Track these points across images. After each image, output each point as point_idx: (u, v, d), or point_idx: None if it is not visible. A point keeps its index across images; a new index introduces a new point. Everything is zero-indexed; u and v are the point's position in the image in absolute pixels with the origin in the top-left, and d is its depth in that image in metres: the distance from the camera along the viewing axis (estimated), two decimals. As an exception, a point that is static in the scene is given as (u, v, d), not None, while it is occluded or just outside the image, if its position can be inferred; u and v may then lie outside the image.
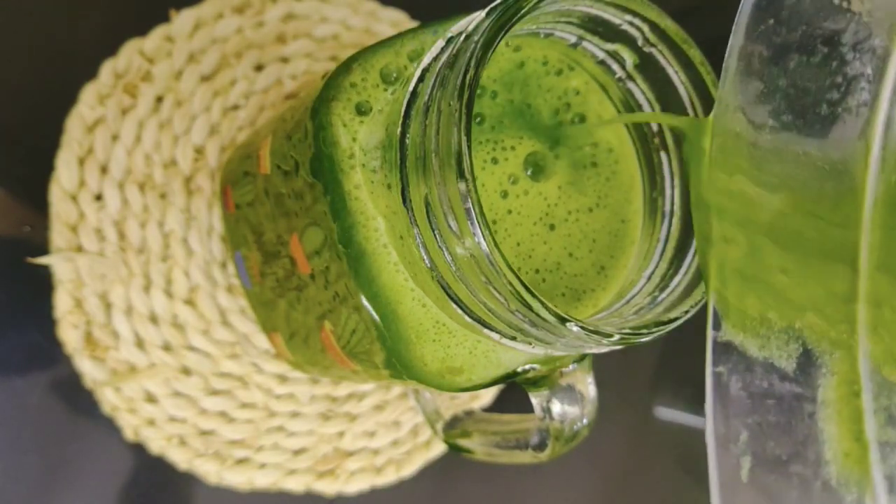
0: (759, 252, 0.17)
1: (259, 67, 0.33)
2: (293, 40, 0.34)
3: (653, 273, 0.21)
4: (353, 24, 0.35)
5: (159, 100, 0.31)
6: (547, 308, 0.17)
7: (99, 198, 0.30)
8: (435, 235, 0.18)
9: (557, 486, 0.37)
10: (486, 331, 0.19)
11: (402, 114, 0.19)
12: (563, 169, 0.22)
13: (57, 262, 0.29)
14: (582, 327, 0.17)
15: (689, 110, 0.21)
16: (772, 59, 0.17)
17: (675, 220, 0.22)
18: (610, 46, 0.21)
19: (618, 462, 0.38)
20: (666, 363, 0.37)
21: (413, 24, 0.36)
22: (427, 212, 0.17)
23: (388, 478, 0.35)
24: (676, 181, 0.22)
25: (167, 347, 0.31)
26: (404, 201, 0.18)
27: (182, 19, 0.32)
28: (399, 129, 0.19)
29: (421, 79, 0.19)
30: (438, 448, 0.35)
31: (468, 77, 0.17)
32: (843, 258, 0.16)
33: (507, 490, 0.37)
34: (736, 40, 0.17)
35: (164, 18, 0.32)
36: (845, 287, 0.16)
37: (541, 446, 0.23)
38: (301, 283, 0.24)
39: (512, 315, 0.18)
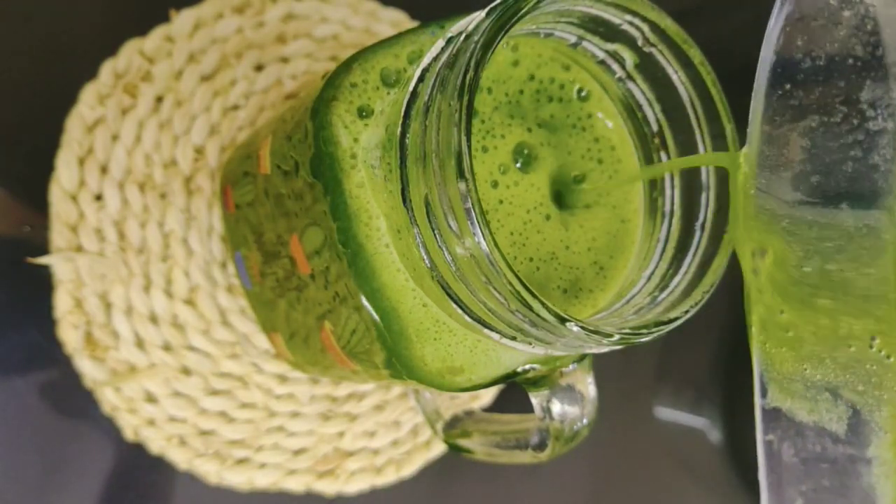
0: (803, 311, 0.17)
1: (259, 67, 0.33)
2: (293, 40, 0.34)
3: (653, 273, 0.21)
4: (353, 24, 0.35)
5: (159, 100, 0.31)
6: (547, 308, 0.17)
7: (99, 198, 0.30)
8: (435, 235, 0.18)
9: (557, 486, 0.37)
10: (486, 331, 0.19)
11: (402, 114, 0.19)
12: (559, 160, 0.22)
13: (57, 262, 0.29)
14: (582, 327, 0.17)
15: (689, 109, 0.21)
16: (792, 123, 0.17)
17: (675, 221, 0.22)
18: (610, 46, 0.21)
19: (618, 462, 0.38)
20: (666, 363, 0.37)
21: (413, 24, 0.36)
22: (427, 211, 0.18)
23: (388, 478, 0.35)
24: (677, 181, 0.22)
25: (167, 347, 0.31)
26: (404, 201, 0.18)
27: (182, 19, 0.32)
28: (399, 129, 0.19)
29: (421, 79, 0.19)
30: (438, 448, 0.35)
31: (468, 77, 0.17)
32: (881, 314, 0.16)
33: (507, 490, 0.37)
34: (756, 104, 0.17)
35: (164, 18, 0.32)
36: (888, 344, 0.16)
37: (541, 446, 0.23)
38: (301, 283, 0.24)
39: (512, 315, 0.18)
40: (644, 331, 0.19)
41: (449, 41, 0.19)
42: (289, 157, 0.22)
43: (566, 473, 0.37)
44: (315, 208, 0.21)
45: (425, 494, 0.36)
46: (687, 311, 0.20)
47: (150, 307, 0.30)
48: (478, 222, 0.16)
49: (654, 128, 0.22)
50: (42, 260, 0.29)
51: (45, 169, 0.30)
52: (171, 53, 0.31)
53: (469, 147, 0.17)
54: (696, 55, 0.20)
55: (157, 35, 0.31)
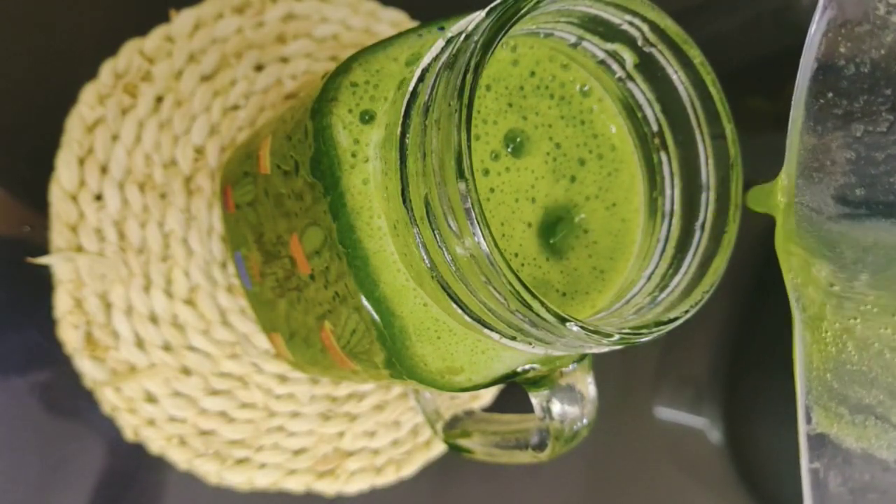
0: (848, 326, 0.16)
1: (259, 67, 0.33)
2: (293, 40, 0.34)
3: (652, 273, 0.21)
4: (353, 24, 0.35)
5: (159, 100, 0.31)
6: (547, 308, 0.17)
7: (99, 198, 0.30)
8: (434, 235, 0.18)
9: (557, 486, 0.37)
10: (485, 331, 0.19)
11: (402, 114, 0.19)
12: (552, 146, 0.22)
13: (57, 262, 0.29)
14: (582, 327, 0.17)
15: (689, 109, 0.21)
16: (835, 132, 0.17)
17: (676, 220, 0.22)
18: (610, 46, 0.21)
19: (618, 462, 0.38)
20: (666, 363, 0.37)
21: (413, 24, 0.36)
22: (427, 211, 0.18)
23: (388, 478, 0.35)
24: (677, 181, 0.22)
25: (167, 347, 0.31)
26: (404, 201, 0.18)
27: (182, 19, 0.32)
28: (399, 129, 0.19)
29: (421, 79, 0.19)
30: (438, 448, 0.35)
31: (468, 78, 0.17)
32: None
33: (507, 490, 0.37)
34: (796, 113, 0.17)
35: (164, 18, 0.32)
36: None
37: (541, 446, 0.23)
38: (301, 283, 0.24)
39: (512, 315, 0.18)
40: (644, 331, 0.19)
41: (449, 41, 0.19)
42: (289, 157, 0.22)
43: (566, 473, 0.37)
44: (315, 208, 0.21)
45: (425, 494, 0.36)
46: (687, 311, 0.20)
47: (150, 307, 0.30)
48: (478, 222, 0.16)
49: (654, 128, 0.22)
50: (42, 260, 0.29)
51: (45, 169, 0.30)
52: (171, 53, 0.31)
53: (469, 147, 0.17)
54: (696, 55, 0.20)
55: (157, 35, 0.31)
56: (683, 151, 0.22)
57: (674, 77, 0.21)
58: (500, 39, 0.17)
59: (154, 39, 0.31)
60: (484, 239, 0.16)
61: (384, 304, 0.20)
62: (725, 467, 0.38)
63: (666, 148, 0.22)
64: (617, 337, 0.18)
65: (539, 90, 0.22)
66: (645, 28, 0.20)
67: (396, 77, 0.20)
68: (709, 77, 0.20)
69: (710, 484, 0.38)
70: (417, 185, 0.18)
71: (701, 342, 0.36)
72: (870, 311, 0.16)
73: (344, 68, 0.20)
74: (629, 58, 0.21)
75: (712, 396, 0.36)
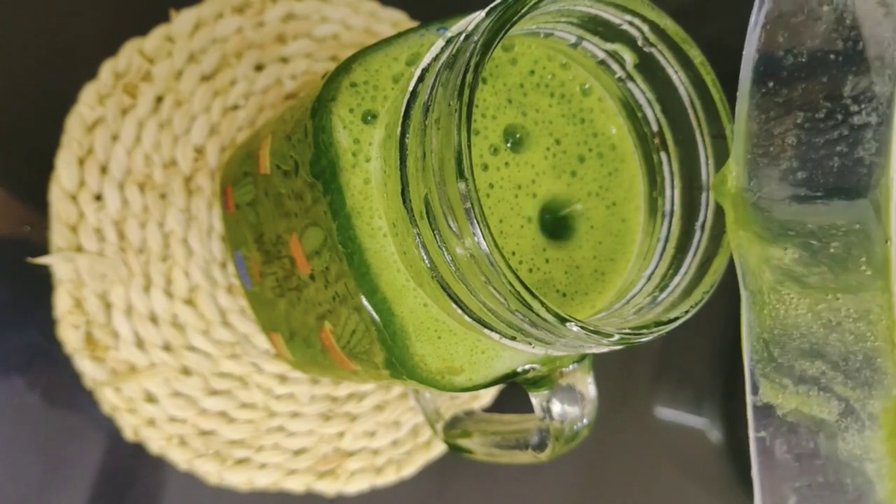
0: (797, 297, 0.17)
1: (259, 67, 0.33)
2: (293, 40, 0.34)
3: (653, 273, 0.21)
4: (353, 24, 0.35)
5: (159, 100, 0.31)
6: (547, 308, 0.17)
7: (99, 198, 0.30)
8: (434, 235, 0.18)
9: (557, 485, 0.37)
10: (486, 331, 0.19)
11: (402, 114, 0.19)
12: (551, 142, 0.22)
13: (57, 262, 0.29)
14: (582, 327, 0.17)
15: (689, 109, 0.21)
16: (778, 120, 0.17)
17: (676, 220, 0.22)
18: (610, 46, 0.21)
19: (617, 462, 0.38)
20: (666, 363, 0.37)
21: (413, 23, 0.36)
22: (426, 211, 0.17)
23: (389, 478, 0.35)
24: (677, 181, 0.22)
25: (167, 347, 0.31)
26: (404, 201, 0.18)
27: (182, 19, 0.32)
28: (399, 129, 0.19)
29: (420, 79, 0.19)
30: (438, 448, 0.35)
31: (468, 77, 0.17)
32: (873, 305, 0.16)
33: (508, 490, 0.37)
34: (742, 104, 0.17)
35: (165, 18, 0.32)
36: (880, 336, 0.16)
37: (541, 446, 0.23)
38: (301, 283, 0.24)
39: (512, 315, 0.18)
40: (644, 331, 0.19)
41: (449, 41, 0.19)
42: (288, 157, 0.22)
43: (566, 473, 0.37)
44: (315, 208, 0.21)
45: (425, 494, 0.36)
46: (687, 311, 0.20)
47: (150, 307, 0.30)
48: (477, 222, 0.16)
49: (654, 128, 0.22)
50: (42, 260, 0.29)
51: (45, 169, 0.30)
52: (171, 53, 0.31)
53: (469, 147, 0.17)
54: (696, 55, 0.20)
55: (157, 35, 0.31)
56: (683, 151, 0.22)
57: (674, 77, 0.21)
58: (500, 40, 0.17)
59: (154, 39, 0.31)
60: (484, 239, 0.16)
61: (384, 305, 0.20)
62: (725, 467, 0.38)
63: (666, 148, 0.22)
64: (617, 337, 0.18)
65: (539, 88, 0.22)
66: (645, 28, 0.20)
67: (396, 77, 0.20)
68: (709, 77, 0.20)
69: (710, 484, 0.38)
70: (417, 184, 0.18)
71: (701, 342, 0.36)
72: (812, 289, 0.16)
73: (344, 68, 0.20)
74: (629, 58, 0.21)
75: (712, 396, 0.36)
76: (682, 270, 0.21)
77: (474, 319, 0.19)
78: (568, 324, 0.17)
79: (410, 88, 0.19)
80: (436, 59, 0.19)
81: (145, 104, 0.31)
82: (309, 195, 0.21)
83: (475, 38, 0.17)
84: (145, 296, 0.30)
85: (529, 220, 0.22)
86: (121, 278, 0.30)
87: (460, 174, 0.16)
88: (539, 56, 0.22)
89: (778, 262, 0.17)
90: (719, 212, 0.21)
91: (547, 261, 0.22)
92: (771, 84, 0.17)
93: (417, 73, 0.19)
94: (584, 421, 0.22)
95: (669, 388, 0.37)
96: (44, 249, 0.29)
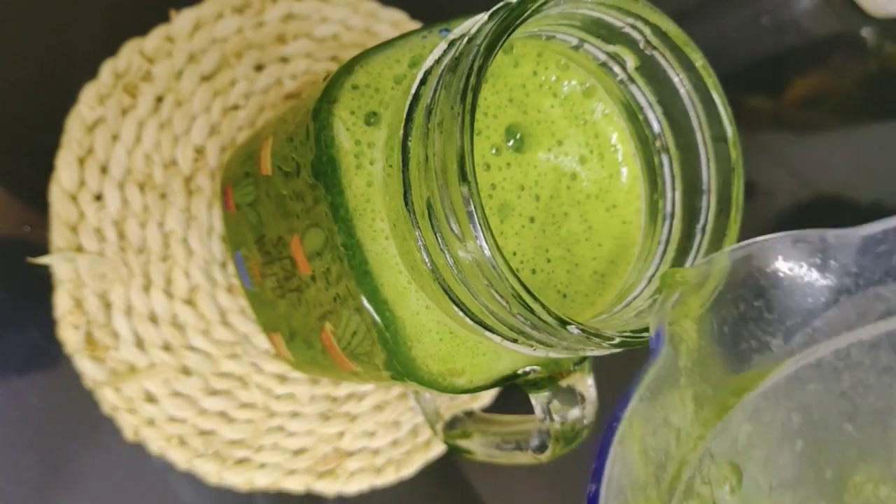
0: None
1: (259, 67, 0.33)
2: (293, 40, 0.34)
3: (653, 276, 0.22)
4: (353, 24, 0.35)
5: (159, 100, 0.31)
6: (548, 311, 0.17)
7: (99, 198, 0.30)
8: (437, 238, 0.18)
9: (557, 485, 0.37)
10: (487, 333, 0.19)
11: (405, 116, 0.19)
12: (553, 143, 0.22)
13: (57, 262, 0.29)
14: (582, 330, 0.17)
15: (691, 111, 0.21)
16: None
17: (676, 223, 0.22)
18: (611, 48, 0.21)
19: None
20: None
21: (413, 24, 0.36)
22: (429, 214, 0.18)
23: (388, 478, 0.35)
24: (678, 184, 0.22)
25: (167, 347, 0.31)
26: (406, 203, 0.18)
27: (182, 19, 0.32)
28: (401, 132, 0.19)
29: (423, 81, 0.19)
30: (438, 448, 0.35)
31: (471, 80, 0.17)
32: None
33: (507, 490, 0.37)
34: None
35: (165, 18, 0.32)
36: None
37: (541, 448, 0.23)
38: (302, 283, 0.24)
39: (513, 318, 0.18)
40: (645, 334, 0.19)
41: (451, 44, 0.19)
42: (290, 159, 0.22)
43: (566, 473, 0.37)
44: (316, 209, 0.21)
45: (425, 494, 0.36)
46: None
47: (149, 307, 0.30)
48: (480, 226, 0.16)
49: (656, 130, 0.22)
50: (42, 260, 0.29)
51: (45, 169, 0.30)
52: (171, 53, 0.31)
53: (472, 150, 0.17)
54: (697, 58, 0.20)
55: (156, 35, 0.31)
56: (684, 154, 0.22)
57: (675, 80, 0.21)
58: (503, 43, 0.17)
59: (154, 39, 0.31)
60: (486, 242, 0.16)
61: (385, 307, 0.20)
62: None
63: (667, 150, 0.22)
64: (618, 340, 0.18)
65: (542, 89, 0.22)
66: (647, 31, 0.20)
67: (399, 79, 0.20)
68: (710, 80, 0.20)
69: None
70: (420, 187, 0.18)
71: None
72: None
73: (346, 70, 0.20)
74: (630, 60, 0.21)
75: None
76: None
77: (476, 322, 0.19)
78: (569, 327, 0.17)
79: (413, 91, 0.19)
80: (438, 61, 0.19)
81: (145, 104, 0.31)
82: (310, 196, 0.21)
83: (478, 41, 0.17)
84: (145, 296, 0.30)
85: (532, 221, 0.22)
86: (121, 278, 0.30)
87: (463, 178, 0.16)
88: (541, 57, 0.22)
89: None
90: (720, 214, 0.21)
91: (549, 261, 0.22)
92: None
93: (420, 75, 0.19)
94: (585, 422, 0.23)
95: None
96: (44, 249, 0.29)
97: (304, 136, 0.21)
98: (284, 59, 0.34)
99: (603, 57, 0.21)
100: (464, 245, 0.17)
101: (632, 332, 0.19)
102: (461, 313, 0.19)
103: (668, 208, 0.22)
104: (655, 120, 0.22)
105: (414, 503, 0.35)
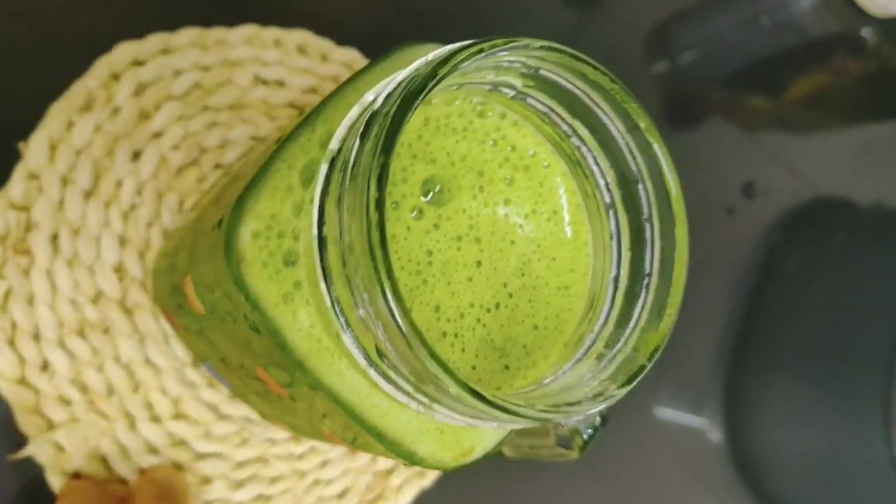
0: None
1: (136, 155, 0.31)
2: (156, 110, 0.31)
3: (618, 275, 0.21)
4: (207, 62, 0.32)
5: (54, 239, 0.29)
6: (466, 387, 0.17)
7: (45, 367, 0.28)
8: (389, 372, 0.17)
9: (557, 485, 0.38)
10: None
11: (317, 247, 0.17)
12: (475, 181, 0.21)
13: (36, 451, 0.28)
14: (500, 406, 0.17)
15: (596, 110, 0.20)
16: None
17: (621, 216, 0.21)
18: (496, 79, 0.19)
19: (617, 463, 0.38)
20: (666, 363, 0.37)
21: (266, 32, 0.33)
22: (378, 353, 0.17)
23: (431, 476, 0.36)
24: (607, 172, 0.21)
25: (178, 467, 0.30)
26: (351, 344, 0.17)
27: (34, 147, 0.29)
28: (319, 270, 0.17)
29: (321, 209, 0.17)
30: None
31: (371, 195, 0.15)
32: None
33: (507, 490, 0.37)
34: None
35: (16, 156, 0.29)
36: None
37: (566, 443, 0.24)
38: (283, 401, 0.23)
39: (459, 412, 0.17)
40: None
41: (340, 151, 0.17)
42: (220, 308, 0.21)
43: (565, 473, 0.38)
44: (270, 352, 0.20)
45: (466, 486, 0.36)
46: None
47: (144, 440, 0.30)
48: (414, 345, 0.15)
49: (566, 129, 0.21)
50: (22, 454, 0.28)
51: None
52: (41, 189, 0.29)
53: (390, 270, 0.16)
54: (588, 70, 0.19)
55: (18, 177, 0.29)
56: (604, 146, 0.21)
57: (569, 86, 0.19)
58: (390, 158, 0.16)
59: (17, 184, 0.28)
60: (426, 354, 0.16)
61: (376, 430, 0.19)
62: (725, 467, 0.38)
63: (584, 143, 0.21)
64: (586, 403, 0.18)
65: (439, 131, 0.21)
66: (528, 60, 0.18)
67: (296, 208, 0.18)
68: (604, 78, 0.19)
69: (710, 484, 0.39)
70: (361, 330, 0.17)
71: (701, 342, 0.35)
72: None
73: (236, 218, 0.18)
74: (518, 82, 0.19)
75: (712, 396, 0.37)
76: (646, 270, 0.20)
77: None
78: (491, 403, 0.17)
79: (315, 220, 0.17)
80: (328, 179, 0.17)
81: (43, 252, 0.29)
82: (257, 342, 0.20)
83: (371, 151, 0.16)
84: (133, 434, 0.30)
85: (479, 265, 0.21)
86: (103, 430, 0.29)
87: (383, 294, 0.15)
88: (425, 107, 0.20)
89: None
90: (661, 204, 0.20)
91: (510, 295, 0.22)
92: None
93: (317, 201, 0.17)
94: (590, 431, 0.23)
95: (669, 388, 0.37)
96: (21, 442, 0.28)
97: (226, 293, 0.19)
98: (158, 134, 0.31)
99: (489, 86, 0.20)
100: (412, 368, 0.16)
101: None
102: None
103: (606, 198, 0.21)
104: (561, 120, 0.21)
105: (458, 495, 0.36)
